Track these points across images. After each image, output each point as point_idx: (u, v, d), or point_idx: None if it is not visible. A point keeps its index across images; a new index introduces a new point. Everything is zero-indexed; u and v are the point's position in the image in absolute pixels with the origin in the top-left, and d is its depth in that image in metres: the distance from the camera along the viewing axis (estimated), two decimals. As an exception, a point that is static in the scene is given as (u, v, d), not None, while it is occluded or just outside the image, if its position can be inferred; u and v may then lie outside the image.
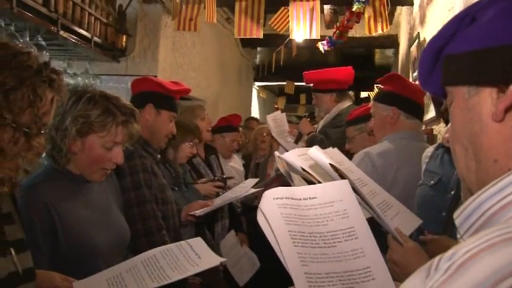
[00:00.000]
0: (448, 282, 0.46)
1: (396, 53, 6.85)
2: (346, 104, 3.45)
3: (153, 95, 2.34)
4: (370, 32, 4.11)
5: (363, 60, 8.68)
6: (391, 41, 6.27)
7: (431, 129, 3.16)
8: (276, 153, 1.48)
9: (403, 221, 1.42)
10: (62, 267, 1.50)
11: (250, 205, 3.83)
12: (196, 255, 1.48)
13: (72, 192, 1.66)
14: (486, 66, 0.63)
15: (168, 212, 2.25)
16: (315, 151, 1.16)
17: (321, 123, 3.53)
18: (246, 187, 2.78)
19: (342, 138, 2.94)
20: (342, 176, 1.05)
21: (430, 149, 1.92)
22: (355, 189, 0.99)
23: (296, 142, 3.56)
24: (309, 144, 3.27)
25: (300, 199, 0.91)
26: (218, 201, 2.64)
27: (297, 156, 1.23)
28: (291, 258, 0.82)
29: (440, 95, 0.78)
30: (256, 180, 2.96)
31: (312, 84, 3.60)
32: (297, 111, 10.99)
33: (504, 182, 0.56)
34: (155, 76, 4.27)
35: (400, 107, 2.20)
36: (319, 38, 4.22)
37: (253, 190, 2.76)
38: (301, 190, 0.93)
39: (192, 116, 3.35)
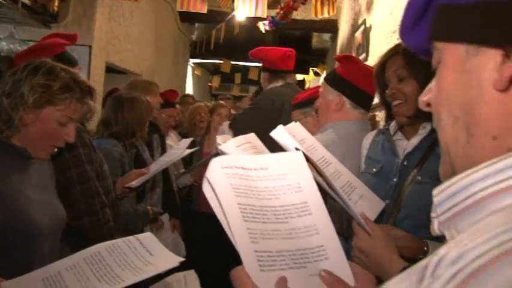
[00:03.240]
0: None
1: (334, 38, 6.92)
2: (277, 84, 3.42)
3: (60, 58, 2.04)
4: (316, 14, 4.10)
5: (300, 43, 8.72)
6: (331, 26, 6.31)
7: (374, 115, 3.19)
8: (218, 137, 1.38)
9: (367, 204, 1.39)
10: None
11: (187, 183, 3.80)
12: (147, 251, 1.34)
13: (11, 167, 1.52)
14: (493, 22, 0.52)
15: (108, 188, 2.14)
16: (281, 132, 1.09)
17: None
18: (180, 148, 2.65)
19: (252, 118, 3.07)
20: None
21: (370, 136, 1.87)
22: (321, 176, 0.94)
23: None
24: (232, 122, 3.35)
25: (251, 169, 0.83)
26: (154, 168, 2.47)
27: (236, 147, 1.13)
28: (241, 235, 0.75)
29: (421, 51, 0.68)
30: (191, 139, 2.83)
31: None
32: (231, 91, 10.95)
33: (503, 164, 0.48)
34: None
35: (347, 95, 2.10)
36: (265, 16, 4.14)
37: (189, 151, 2.64)
38: (252, 160, 0.85)
39: (145, 92, 3.21)
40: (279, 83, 3.42)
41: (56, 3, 3.81)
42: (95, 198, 1.95)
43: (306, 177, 0.86)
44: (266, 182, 0.83)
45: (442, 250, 0.42)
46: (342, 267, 0.80)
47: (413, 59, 1.50)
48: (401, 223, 1.52)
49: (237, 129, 3.18)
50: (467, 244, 0.40)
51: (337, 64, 2.23)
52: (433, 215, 0.55)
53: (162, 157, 2.69)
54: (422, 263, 0.43)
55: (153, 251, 1.34)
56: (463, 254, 0.39)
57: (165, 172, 3.26)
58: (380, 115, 3.18)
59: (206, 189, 0.78)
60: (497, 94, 0.52)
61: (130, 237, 1.37)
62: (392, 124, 1.71)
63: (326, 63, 8.83)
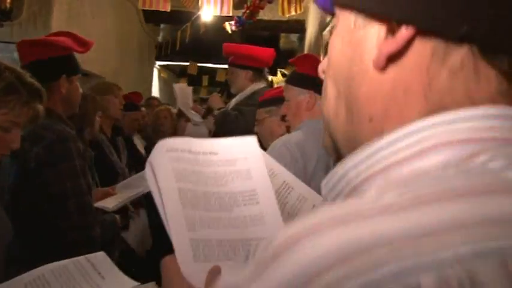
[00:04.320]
0: (262, 277, 0.36)
1: (301, 38, 6.89)
2: (261, 85, 3.33)
3: (63, 62, 2.00)
4: (283, 13, 4.02)
5: (267, 43, 8.63)
6: (299, 26, 6.28)
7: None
8: None
9: (309, 204, 1.29)
10: None
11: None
12: (98, 274, 1.19)
13: None
14: None
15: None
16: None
17: (234, 101, 3.37)
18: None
19: (248, 121, 2.84)
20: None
21: None
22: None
23: (204, 117, 3.45)
24: (220, 120, 3.16)
25: (199, 153, 0.78)
26: (126, 192, 2.29)
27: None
28: (176, 221, 0.69)
29: (329, 12, 0.62)
30: None
31: (229, 58, 3.42)
32: (199, 93, 10.83)
33: (373, 149, 0.45)
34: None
35: (317, 90, 2.05)
36: (230, 15, 4.04)
37: None
38: (201, 144, 0.80)
39: (106, 92, 3.12)
40: (262, 84, 3.33)
41: (9, 0, 3.60)
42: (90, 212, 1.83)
43: (257, 165, 0.81)
44: (214, 167, 0.78)
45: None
46: None
47: None
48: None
49: (224, 128, 3.04)
50: (288, 225, 0.38)
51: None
52: (323, 192, 0.52)
53: (134, 179, 2.51)
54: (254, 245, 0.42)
55: (105, 274, 1.20)
56: (275, 236, 0.38)
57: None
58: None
59: (148, 172, 0.73)
60: (375, 74, 0.47)
61: (81, 258, 1.23)
62: None
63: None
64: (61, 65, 2.00)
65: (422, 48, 0.44)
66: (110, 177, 2.73)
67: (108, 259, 1.25)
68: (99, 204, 2.10)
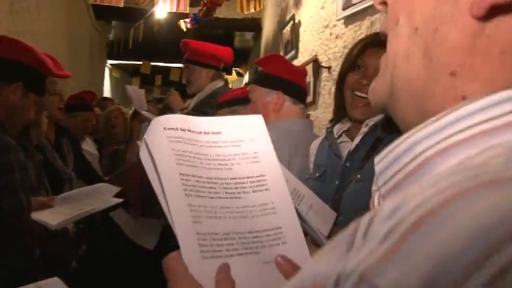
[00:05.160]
0: (402, 251, 0.27)
1: (256, 37, 6.83)
2: (220, 83, 3.22)
3: (27, 71, 1.85)
4: (242, 10, 3.93)
5: (222, 42, 8.56)
6: (255, 25, 6.20)
7: (308, 115, 3.08)
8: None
9: (319, 216, 1.24)
10: None
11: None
12: None
13: None
14: None
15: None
16: None
17: (193, 101, 3.23)
18: (104, 196, 2.23)
19: None
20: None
21: (316, 142, 1.78)
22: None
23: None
24: None
25: (201, 132, 0.70)
26: (76, 211, 1.99)
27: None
28: (180, 212, 0.61)
29: None
30: (117, 189, 2.40)
31: (187, 55, 3.29)
32: (152, 93, 10.61)
33: (455, 115, 0.38)
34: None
35: (285, 91, 2.00)
36: (187, 11, 3.91)
37: (115, 200, 2.25)
38: (203, 122, 0.72)
39: None
40: (221, 83, 3.23)
41: None
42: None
43: (266, 147, 0.73)
44: (217, 149, 0.70)
45: (373, 211, 0.33)
46: (301, 254, 0.67)
47: None
48: (341, 226, 1.40)
49: None
50: (405, 195, 0.31)
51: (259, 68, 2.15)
52: (373, 188, 0.46)
53: (80, 193, 2.23)
54: (349, 228, 0.33)
55: None
56: (401, 204, 0.30)
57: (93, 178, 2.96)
58: (314, 114, 3.07)
59: (143, 154, 0.65)
60: (471, 21, 0.40)
61: (31, 286, 1.11)
62: (336, 127, 1.63)
63: (248, 63, 8.80)
64: (23, 72, 1.84)
65: None
66: (55, 185, 2.51)
67: (61, 284, 1.11)
68: (39, 218, 1.84)
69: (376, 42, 1.52)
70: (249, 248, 0.64)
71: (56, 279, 1.14)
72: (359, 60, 1.54)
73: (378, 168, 0.43)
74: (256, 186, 0.70)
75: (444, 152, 0.37)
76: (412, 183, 0.39)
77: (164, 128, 0.66)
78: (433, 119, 0.39)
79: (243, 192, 0.68)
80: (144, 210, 3.15)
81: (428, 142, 0.38)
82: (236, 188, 0.68)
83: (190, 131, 0.69)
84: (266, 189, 0.70)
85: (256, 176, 0.70)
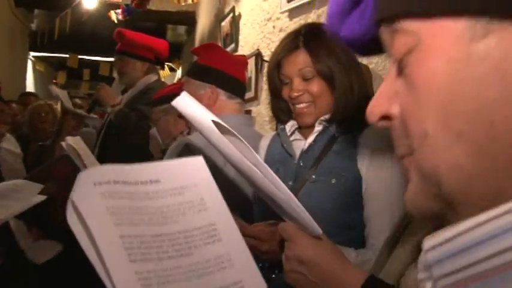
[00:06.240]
0: None
1: (189, 31, 6.69)
2: (154, 78, 3.07)
3: None
4: (179, 2, 3.78)
5: (154, 35, 8.32)
6: (189, 18, 6.05)
7: (250, 111, 2.98)
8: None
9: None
10: None
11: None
12: None
13: None
14: None
15: None
16: (186, 100, 0.84)
17: (125, 97, 3.05)
18: (25, 194, 2.02)
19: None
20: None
21: (266, 139, 1.67)
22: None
23: (89, 112, 3.17)
24: (120, 123, 2.84)
25: (137, 183, 0.62)
26: None
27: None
28: (125, 283, 0.53)
29: (361, 42, 0.52)
30: (40, 186, 2.21)
31: (121, 46, 3.13)
32: (80, 88, 10.14)
33: None
34: None
35: (219, 85, 1.88)
36: (119, 1, 3.71)
37: (40, 197, 2.06)
38: (137, 170, 0.64)
39: None
40: (155, 77, 3.10)
41: None
42: None
43: (211, 191, 0.66)
44: (159, 200, 0.62)
45: None
46: None
47: (319, 54, 1.37)
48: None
49: (126, 134, 2.74)
50: None
51: (195, 58, 2.01)
52: (422, 276, 0.39)
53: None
54: None
55: None
56: None
57: None
58: (256, 110, 2.98)
59: (71, 218, 0.55)
60: None
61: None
62: (289, 124, 1.53)
63: (181, 58, 8.63)
64: None
65: None
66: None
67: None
68: None
69: (287, 50, 1.44)
70: None
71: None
72: (281, 77, 1.47)
73: (431, 255, 0.38)
74: (207, 237, 0.64)
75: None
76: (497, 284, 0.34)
77: (94, 184, 0.58)
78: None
79: (194, 246, 0.62)
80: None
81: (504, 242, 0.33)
82: (186, 242, 0.62)
83: (124, 182, 0.61)
84: (219, 240, 0.64)
85: (206, 226, 0.64)
